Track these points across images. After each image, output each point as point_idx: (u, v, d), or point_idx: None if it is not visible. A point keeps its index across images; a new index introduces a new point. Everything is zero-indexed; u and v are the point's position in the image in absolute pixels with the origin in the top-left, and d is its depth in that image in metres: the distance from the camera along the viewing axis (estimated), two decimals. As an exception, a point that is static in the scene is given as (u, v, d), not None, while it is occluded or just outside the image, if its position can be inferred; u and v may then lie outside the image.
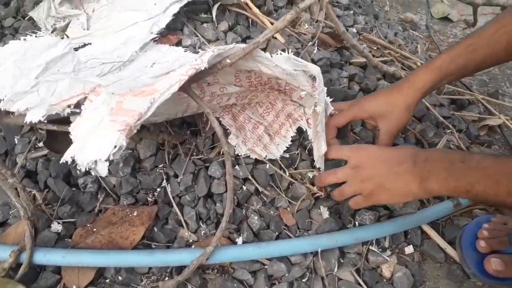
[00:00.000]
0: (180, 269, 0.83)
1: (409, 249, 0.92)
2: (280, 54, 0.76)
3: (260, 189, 0.93)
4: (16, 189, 0.81)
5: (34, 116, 0.71)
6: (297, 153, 0.98)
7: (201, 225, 0.89)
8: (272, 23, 1.15)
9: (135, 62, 0.98)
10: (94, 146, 0.62)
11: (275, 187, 0.95)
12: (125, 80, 0.72)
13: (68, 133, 0.66)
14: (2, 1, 1.23)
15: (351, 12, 1.47)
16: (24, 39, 0.80)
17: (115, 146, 0.60)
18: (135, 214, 0.88)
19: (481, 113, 1.32)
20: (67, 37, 0.95)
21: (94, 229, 0.87)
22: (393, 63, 1.34)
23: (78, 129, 0.67)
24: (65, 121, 0.78)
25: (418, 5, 2.14)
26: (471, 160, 0.66)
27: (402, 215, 0.92)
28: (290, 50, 0.77)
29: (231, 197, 0.77)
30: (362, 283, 0.85)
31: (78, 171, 0.92)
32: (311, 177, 0.93)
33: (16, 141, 0.98)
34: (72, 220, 0.89)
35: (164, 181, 0.91)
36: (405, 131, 1.14)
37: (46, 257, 0.79)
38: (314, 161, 0.94)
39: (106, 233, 0.86)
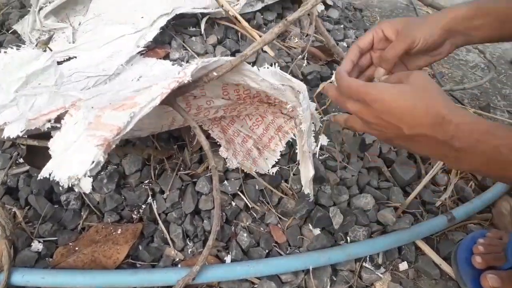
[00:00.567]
0: (165, 289, 0.79)
1: (403, 266, 0.90)
2: (267, 68, 0.74)
3: (250, 204, 0.91)
4: (-6, 206, 0.78)
5: (13, 131, 0.68)
6: (288, 167, 0.96)
7: (188, 243, 0.86)
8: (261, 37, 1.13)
9: (121, 75, 0.96)
10: (71, 162, 0.59)
11: (265, 202, 0.92)
12: (106, 94, 0.69)
13: (48, 148, 0.63)
14: (-13, 15, 1.22)
15: (341, 26, 1.47)
16: (5, 52, 0.78)
17: (93, 162, 0.57)
18: (119, 232, 0.85)
19: (473, 126, 1.30)
20: (50, 50, 0.93)
21: (76, 248, 0.83)
22: (384, 77, 1.33)
23: (57, 144, 0.64)
24: (46, 136, 0.76)
25: (409, 20, 2.15)
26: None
27: (396, 231, 0.90)
28: (277, 64, 0.75)
29: (218, 214, 0.74)
30: (355, 302, 0.82)
31: (60, 188, 0.89)
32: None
33: (-3, 157, 0.95)
34: (54, 238, 0.85)
35: (150, 197, 0.89)
36: (396, 147, 1.12)
37: (24, 278, 0.75)
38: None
39: (89, 252, 0.82)
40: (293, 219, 0.90)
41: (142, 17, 1.03)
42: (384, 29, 0.72)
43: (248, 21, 1.18)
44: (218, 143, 0.93)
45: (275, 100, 0.84)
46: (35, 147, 0.81)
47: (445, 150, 0.55)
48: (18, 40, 1.09)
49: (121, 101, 0.64)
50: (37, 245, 0.84)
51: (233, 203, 0.90)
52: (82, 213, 0.89)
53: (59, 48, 1.00)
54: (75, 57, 0.99)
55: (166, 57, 1.06)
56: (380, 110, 0.57)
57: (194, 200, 0.88)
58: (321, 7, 1.41)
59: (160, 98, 0.62)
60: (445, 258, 0.91)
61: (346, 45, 1.38)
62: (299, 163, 0.85)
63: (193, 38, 1.12)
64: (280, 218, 0.90)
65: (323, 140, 0.98)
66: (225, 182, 0.91)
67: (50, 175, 0.59)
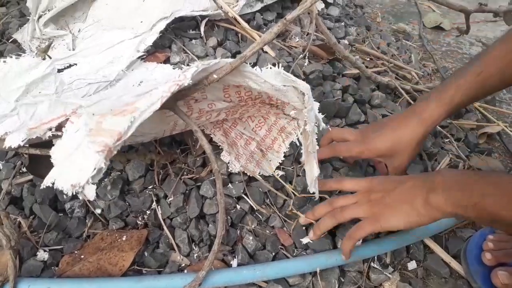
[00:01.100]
0: (172, 295, 0.78)
1: (412, 265, 0.89)
2: (270, 68, 0.73)
3: (255, 207, 0.90)
4: (-1, 217, 0.78)
5: (14, 141, 0.68)
6: (292, 168, 0.95)
7: (194, 248, 0.85)
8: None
9: (122, 81, 0.96)
10: (73, 169, 0.59)
11: (270, 204, 0.91)
12: (107, 100, 0.69)
13: (50, 156, 0.63)
14: (-13, 25, 1.22)
15: (342, 24, 1.46)
16: (4, 61, 0.77)
17: (95, 169, 0.57)
18: (124, 238, 0.84)
19: (479, 120, 1.29)
20: (49, 57, 0.92)
21: (82, 256, 0.83)
22: (387, 74, 1.32)
23: (58, 152, 0.64)
24: (48, 144, 0.75)
25: (410, 15, 2.13)
26: (486, 174, 0.63)
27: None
28: (280, 65, 0.74)
29: (223, 218, 0.73)
30: (364, 303, 0.81)
31: (64, 196, 0.89)
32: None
33: (1, 167, 0.95)
34: (59, 247, 0.85)
35: (154, 203, 0.88)
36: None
37: (30, 288, 0.75)
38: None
39: (94, 259, 0.82)
40: (297, 221, 0.88)
41: (141, 22, 1.02)
42: (369, 157, 0.90)
43: (248, 22, 1.17)
44: (220, 147, 0.92)
45: (277, 101, 0.83)
46: (37, 156, 0.81)
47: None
48: (18, 49, 1.09)
49: (122, 106, 0.64)
50: (42, 254, 0.83)
51: (238, 206, 0.89)
52: (86, 221, 0.88)
53: (59, 56, 1.00)
54: (76, 64, 0.98)
55: (167, 61, 1.05)
56: None
57: (198, 204, 0.87)
58: (321, 5, 1.40)
59: (161, 102, 0.61)
60: (455, 256, 0.90)
61: (347, 43, 1.37)
62: (303, 164, 0.84)
63: (193, 41, 1.11)
64: (285, 220, 0.89)
65: None
66: (229, 185, 0.90)
67: (52, 184, 0.59)
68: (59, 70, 0.96)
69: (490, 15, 1.50)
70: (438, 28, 2.01)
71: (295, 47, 1.21)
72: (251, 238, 0.85)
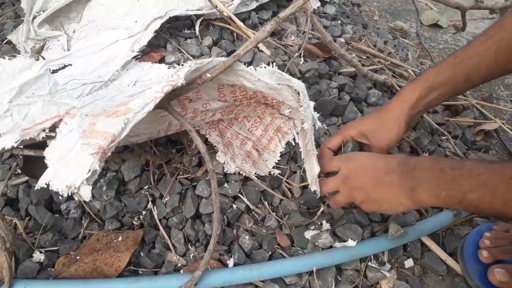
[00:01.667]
0: (168, 296, 0.78)
1: (409, 263, 0.88)
2: (265, 67, 0.73)
3: (251, 206, 0.90)
4: (-6, 219, 0.77)
5: (7, 142, 0.67)
6: (287, 168, 0.95)
7: (190, 247, 0.85)
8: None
9: (116, 81, 0.96)
10: (67, 171, 0.59)
11: (266, 204, 0.91)
12: (101, 101, 0.69)
13: (44, 157, 0.63)
14: (-18, 26, 1.22)
15: (339, 22, 1.45)
16: (-3, 63, 0.77)
17: (89, 171, 0.57)
18: (120, 239, 0.84)
19: (476, 118, 1.29)
20: (43, 58, 0.92)
21: (78, 257, 0.83)
22: (384, 71, 1.32)
23: (52, 153, 0.63)
24: (42, 145, 0.75)
25: (408, 13, 2.13)
26: (463, 167, 0.62)
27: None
28: (274, 64, 0.74)
29: (218, 218, 0.73)
30: (361, 301, 0.80)
31: (60, 197, 0.89)
32: None
33: (-4, 168, 0.95)
34: (55, 248, 0.85)
35: (150, 203, 0.88)
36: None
37: (26, 289, 0.75)
38: (304, 174, 0.90)
39: (90, 260, 0.81)
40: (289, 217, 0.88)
41: (136, 22, 1.02)
42: (352, 134, 0.87)
43: (243, 21, 1.17)
44: (215, 147, 0.92)
45: (273, 100, 0.83)
46: (31, 157, 0.81)
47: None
48: (13, 50, 1.09)
49: (115, 107, 0.64)
50: (38, 256, 0.83)
51: (234, 206, 0.89)
52: (82, 222, 0.88)
53: (54, 56, 0.99)
54: (70, 64, 0.98)
55: (162, 60, 1.05)
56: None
57: (194, 204, 0.87)
58: (317, 3, 1.40)
59: (154, 102, 0.61)
60: (452, 253, 0.90)
61: (343, 41, 1.37)
62: (302, 162, 0.84)
63: (188, 40, 1.11)
64: (281, 220, 0.89)
65: None
66: (225, 184, 0.90)
67: (47, 185, 0.59)
68: (54, 71, 0.96)
69: (487, 12, 1.50)
70: (436, 25, 2.01)
71: (291, 46, 1.21)
72: (247, 237, 0.85)
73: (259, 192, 0.91)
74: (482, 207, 0.59)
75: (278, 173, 0.93)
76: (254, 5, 1.20)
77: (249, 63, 1.08)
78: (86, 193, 0.90)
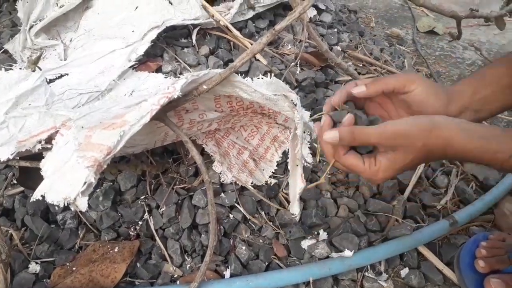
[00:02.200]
0: (164, 307, 0.78)
1: (405, 272, 0.88)
2: (262, 78, 0.73)
3: (248, 216, 0.89)
4: (-10, 230, 0.77)
5: (3, 154, 0.67)
6: (284, 177, 0.95)
7: (186, 258, 0.84)
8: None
9: (113, 91, 0.96)
10: (63, 183, 0.59)
11: (263, 213, 0.91)
12: (97, 112, 0.69)
13: (40, 169, 0.63)
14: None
15: (335, 30, 1.46)
16: (-7, 74, 0.77)
17: (85, 183, 0.57)
18: (116, 250, 0.84)
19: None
20: (40, 69, 0.92)
21: (74, 268, 0.82)
22: (380, 79, 1.32)
23: (48, 164, 0.64)
24: (38, 156, 0.75)
25: (404, 20, 2.14)
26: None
27: (397, 237, 0.89)
28: (273, 74, 0.74)
29: (214, 229, 0.73)
30: (357, 312, 0.80)
31: (56, 207, 0.88)
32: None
33: (-8, 178, 0.94)
34: (51, 259, 0.84)
35: (146, 213, 0.88)
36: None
37: (21, 301, 0.75)
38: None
39: (86, 271, 0.81)
40: (290, 232, 0.88)
41: (133, 31, 1.02)
42: (389, 86, 0.65)
43: (240, 30, 1.17)
44: (212, 157, 0.92)
45: (269, 110, 0.83)
46: (27, 168, 0.81)
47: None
48: (10, 60, 1.09)
49: (111, 119, 0.64)
50: (34, 267, 0.83)
51: (231, 216, 0.89)
52: (79, 232, 0.88)
53: (50, 66, 0.99)
54: (67, 74, 0.98)
55: (159, 70, 1.05)
56: None
57: (191, 214, 0.87)
58: (313, 11, 1.41)
59: (150, 115, 0.61)
60: (448, 262, 0.90)
61: (340, 49, 1.37)
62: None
63: (185, 49, 1.11)
64: (278, 230, 0.89)
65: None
66: (222, 194, 0.90)
67: (42, 197, 0.59)
68: (51, 80, 0.96)
69: (481, 20, 1.50)
70: (432, 32, 2.01)
71: (288, 54, 1.21)
72: (244, 247, 0.85)
73: (256, 201, 0.91)
74: None
75: (275, 183, 0.93)
76: (250, 14, 1.20)
77: (245, 73, 1.08)
78: (82, 204, 0.90)
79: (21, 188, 0.92)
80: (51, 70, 0.98)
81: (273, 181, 0.93)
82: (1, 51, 1.12)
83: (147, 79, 0.99)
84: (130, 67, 0.99)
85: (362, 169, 0.60)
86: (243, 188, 0.93)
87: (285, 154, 0.95)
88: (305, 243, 0.87)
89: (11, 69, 0.78)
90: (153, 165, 0.91)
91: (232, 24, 1.14)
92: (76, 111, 0.70)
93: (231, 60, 1.13)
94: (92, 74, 0.96)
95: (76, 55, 1.01)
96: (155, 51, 1.08)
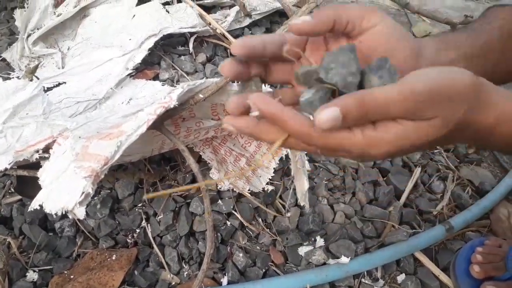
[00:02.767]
0: (162, 315, 0.78)
1: (402, 278, 0.89)
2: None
3: (245, 223, 0.90)
4: (-13, 238, 0.77)
5: (1, 164, 0.68)
6: (281, 184, 0.96)
7: (184, 265, 0.85)
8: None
9: (111, 99, 0.96)
10: (60, 194, 0.59)
11: (260, 220, 0.91)
12: (94, 122, 0.69)
13: (38, 178, 0.64)
14: (-23, 43, 1.22)
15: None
16: (-9, 84, 0.78)
17: (82, 193, 0.57)
18: (114, 258, 0.84)
19: (468, 131, 1.30)
20: (37, 78, 0.93)
21: (72, 276, 0.82)
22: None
23: (46, 174, 0.64)
24: (36, 166, 0.75)
25: (400, 25, 2.15)
26: None
27: (393, 243, 0.89)
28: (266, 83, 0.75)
29: (211, 237, 0.73)
30: (354, 318, 0.81)
31: (54, 215, 0.88)
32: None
33: (-10, 187, 0.95)
34: (49, 267, 0.84)
35: (144, 221, 0.88)
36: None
37: (19, 310, 0.75)
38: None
39: (84, 280, 0.81)
40: (287, 238, 0.89)
41: (130, 39, 1.03)
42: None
43: (236, 37, 1.18)
44: (209, 165, 0.92)
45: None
46: (25, 177, 0.81)
47: None
48: (8, 68, 1.09)
49: (108, 129, 0.64)
50: (32, 275, 0.83)
51: (228, 223, 0.89)
52: (76, 240, 0.88)
53: (48, 74, 1.00)
54: (64, 82, 0.99)
55: (156, 77, 1.06)
56: None
57: (188, 221, 0.87)
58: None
59: (147, 124, 0.62)
60: (445, 268, 0.90)
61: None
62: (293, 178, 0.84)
63: (182, 57, 1.12)
64: (275, 237, 0.89)
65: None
66: (219, 201, 0.91)
67: (40, 206, 0.60)
68: (48, 89, 0.96)
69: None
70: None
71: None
72: (241, 255, 0.85)
73: (253, 208, 0.92)
74: None
75: (272, 189, 0.94)
76: (247, 21, 1.21)
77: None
78: (80, 212, 0.90)
79: (19, 197, 0.93)
80: (48, 79, 0.98)
81: (270, 187, 0.94)
82: (0, 59, 1.13)
83: (144, 87, 0.99)
84: (128, 75, 1.00)
85: (352, 142, 0.37)
86: (240, 195, 0.93)
87: (282, 160, 0.95)
88: (302, 250, 0.88)
89: (8, 77, 0.79)
90: (150, 173, 0.91)
91: (229, 31, 1.15)
92: (73, 121, 0.71)
93: (228, 68, 1.13)
94: (90, 83, 0.96)
95: (74, 63, 1.02)
96: (152, 59, 1.08)
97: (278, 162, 0.94)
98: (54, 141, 0.67)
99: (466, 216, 0.97)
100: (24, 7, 1.10)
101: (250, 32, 1.24)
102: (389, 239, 0.90)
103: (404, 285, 0.87)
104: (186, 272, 0.84)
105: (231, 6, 1.22)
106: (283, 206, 0.93)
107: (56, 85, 0.98)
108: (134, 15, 1.08)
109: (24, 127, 0.71)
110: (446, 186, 1.08)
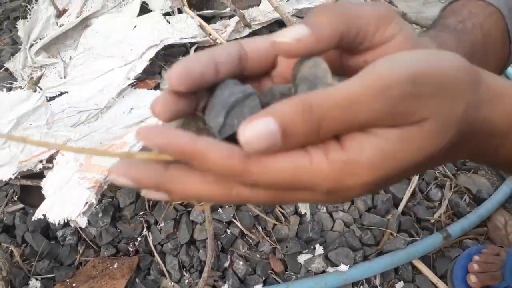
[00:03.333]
0: (163, 323, 0.79)
1: (400, 286, 0.90)
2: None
3: (245, 231, 0.91)
4: (-9, 247, 0.78)
5: (5, 174, 0.69)
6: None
7: (185, 273, 0.86)
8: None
9: (112, 108, 0.97)
10: (64, 204, 0.60)
11: (260, 228, 0.92)
12: (97, 133, 0.70)
13: (41, 187, 0.65)
14: (-21, 52, 1.24)
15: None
16: (-5, 95, 0.79)
17: (86, 203, 0.59)
18: (115, 266, 0.85)
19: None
20: (40, 89, 0.94)
21: (74, 284, 0.83)
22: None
23: (49, 184, 0.65)
24: (39, 175, 0.77)
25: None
26: None
27: (391, 251, 0.90)
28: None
29: (212, 245, 0.74)
30: (353, 326, 0.82)
31: (57, 224, 0.90)
32: None
33: (-7, 195, 0.96)
34: (51, 275, 0.86)
35: (145, 229, 0.89)
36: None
37: (21, 319, 0.76)
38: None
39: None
40: (286, 247, 0.90)
41: (131, 50, 1.04)
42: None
43: (236, 47, 1.20)
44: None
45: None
46: (28, 186, 0.82)
47: None
48: (10, 77, 1.11)
49: (111, 140, 0.66)
50: (34, 283, 0.84)
51: (228, 231, 0.90)
52: (78, 248, 0.89)
53: (50, 84, 1.01)
54: (67, 92, 1.00)
55: (157, 87, 1.07)
56: None
57: (189, 230, 0.88)
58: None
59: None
60: (442, 276, 0.91)
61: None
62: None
63: (183, 67, 1.13)
64: (274, 245, 0.90)
65: None
66: (219, 209, 0.92)
67: (44, 216, 0.61)
68: (51, 98, 0.98)
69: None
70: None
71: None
72: (241, 263, 0.86)
73: (253, 217, 0.93)
74: None
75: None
76: (246, 31, 1.23)
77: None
78: (82, 220, 0.91)
79: (22, 205, 0.94)
80: (51, 88, 1.00)
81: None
82: (2, 69, 1.14)
83: (145, 97, 1.01)
84: (129, 85, 1.01)
85: (313, 171, 0.24)
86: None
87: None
88: (302, 258, 0.89)
89: (11, 87, 0.80)
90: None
91: (229, 41, 1.16)
92: (77, 132, 0.72)
93: (228, 77, 1.15)
94: (92, 92, 0.98)
95: (76, 73, 1.03)
96: (153, 69, 1.10)
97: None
98: (57, 152, 0.68)
99: (463, 224, 0.98)
100: (26, 18, 1.12)
101: (250, 41, 1.26)
102: (388, 247, 0.91)
103: (403, 293, 0.88)
104: (187, 280, 0.85)
105: (231, 17, 1.24)
106: (283, 214, 0.94)
107: (58, 94, 0.99)
108: (135, 26, 1.10)
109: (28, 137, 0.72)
110: (444, 194, 1.09)
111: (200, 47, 1.17)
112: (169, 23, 1.11)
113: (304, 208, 0.84)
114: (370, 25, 0.29)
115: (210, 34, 1.11)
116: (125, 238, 0.89)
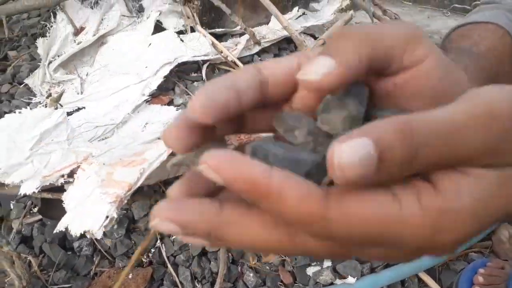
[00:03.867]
0: (176, 332, 0.82)
1: (407, 299, 0.92)
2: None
3: (255, 243, 0.93)
4: (11, 257, 0.81)
5: (29, 188, 0.73)
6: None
7: (196, 285, 0.88)
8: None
9: (128, 124, 1.01)
10: (86, 217, 0.63)
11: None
12: (116, 149, 0.74)
13: (62, 200, 0.68)
14: (-1, 68, 1.28)
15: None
16: (19, 112, 0.83)
17: (107, 217, 0.62)
18: (130, 276, 0.88)
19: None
20: (61, 106, 0.98)
21: (90, 294, 0.86)
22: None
23: (70, 198, 0.69)
24: (59, 188, 0.80)
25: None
26: None
27: (399, 264, 0.92)
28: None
29: (224, 258, 0.77)
30: (361, 337, 0.83)
31: (74, 235, 0.93)
32: None
33: (12, 206, 0.99)
34: (68, 285, 0.88)
35: (158, 241, 0.92)
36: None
37: (41, 327, 0.78)
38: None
39: (102, 298, 0.85)
40: (295, 259, 0.92)
41: (146, 67, 1.09)
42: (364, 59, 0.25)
43: (246, 64, 1.24)
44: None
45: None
46: (49, 199, 0.86)
47: None
48: (29, 92, 1.15)
49: (131, 156, 0.69)
50: (52, 293, 0.87)
51: (239, 243, 0.93)
52: (94, 259, 0.92)
53: (68, 100, 1.05)
54: (84, 107, 1.04)
55: (170, 103, 1.11)
56: None
57: (201, 242, 0.91)
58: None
59: (167, 152, 0.67)
60: (448, 288, 0.93)
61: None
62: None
63: (195, 83, 1.18)
64: (284, 257, 0.93)
65: None
66: (231, 222, 0.94)
67: (66, 229, 0.64)
68: (68, 113, 1.02)
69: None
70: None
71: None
72: (251, 274, 0.89)
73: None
74: None
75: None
76: (256, 49, 1.27)
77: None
78: (98, 232, 0.95)
79: (40, 216, 0.97)
80: (68, 104, 1.04)
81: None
82: (22, 85, 1.18)
83: (160, 112, 1.04)
84: (144, 100, 1.05)
85: (404, 218, 0.19)
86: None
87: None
88: (310, 270, 0.91)
89: (30, 102, 0.84)
90: (165, 195, 0.95)
91: (239, 58, 1.20)
92: (97, 148, 0.76)
93: (238, 93, 1.18)
94: (108, 108, 1.02)
95: (92, 89, 1.07)
96: (167, 85, 1.14)
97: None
98: (78, 167, 0.72)
99: (468, 238, 1.00)
100: (46, 36, 1.17)
101: (259, 58, 1.30)
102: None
103: (409, 305, 0.90)
104: (199, 291, 0.87)
105: (241, 34, 1.28)
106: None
107: (76, 110, 1.03)
108: (150, 44, 1.14)
109: (51, 153, 0.76)
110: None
111: (212, 64, 1.21)
112: (183, 41, 1.15)
113: None
114: (397, 46, 0.26)
115: (221, 52, 1.15)
116: (139, 250, 0.92)
